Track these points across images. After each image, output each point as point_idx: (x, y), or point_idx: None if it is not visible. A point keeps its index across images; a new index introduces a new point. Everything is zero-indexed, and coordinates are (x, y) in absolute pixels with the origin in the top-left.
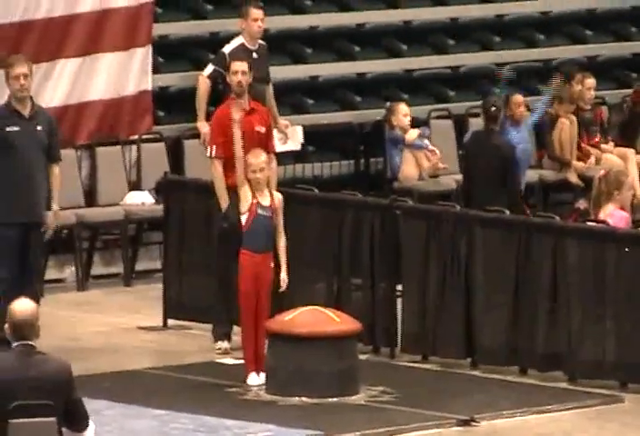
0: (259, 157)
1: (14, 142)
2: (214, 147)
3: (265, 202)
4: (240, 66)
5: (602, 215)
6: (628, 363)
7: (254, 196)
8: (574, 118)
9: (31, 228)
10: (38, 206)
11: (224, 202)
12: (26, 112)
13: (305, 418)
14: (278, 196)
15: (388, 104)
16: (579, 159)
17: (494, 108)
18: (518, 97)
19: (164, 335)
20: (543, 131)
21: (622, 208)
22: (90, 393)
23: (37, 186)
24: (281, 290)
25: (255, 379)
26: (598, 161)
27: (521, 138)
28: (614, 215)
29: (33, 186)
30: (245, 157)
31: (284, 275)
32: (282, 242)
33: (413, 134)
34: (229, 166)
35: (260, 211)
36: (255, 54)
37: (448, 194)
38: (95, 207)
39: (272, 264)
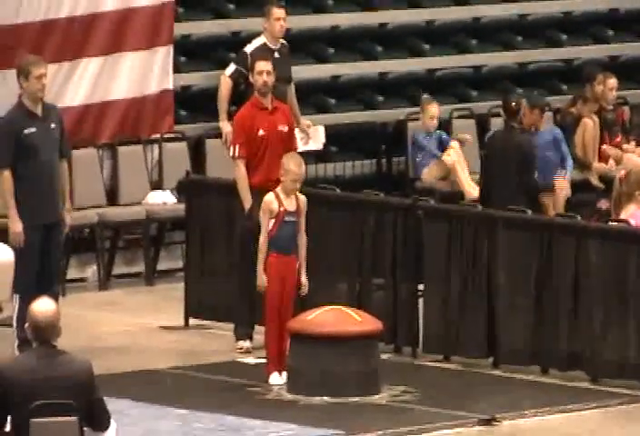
0: (301, 166)
1: (33, 144)
2: (236, 147)
3: (292, 207)
4: (265, 66)
5: (623, 215)
6: None
7: (281, 204)
8: (596, 119)
9: (51, 228)
10: (58, 206)
11: (247, 202)
12: (39, 111)
13: (327, 417)
14: (303, 199)
15: (424, 96)
16: (598, 160)
17: (513, 104)
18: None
19: (185, 335)
20: (565, 132)
21: None
22: (112, 393)
23: (57, 186)
24: (303, 294)
25: (277, 378)
26: (619, 161)
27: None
28: (635, 215)
29: (53, 187)
30: (283, 161)
31: (304, 279)
32: (302, 245)
33: (453, 147)
34: (252, 166)
35: (287, 217)
36: (276, 54)
37: None
38: (116, 206)
39: (297, 266)
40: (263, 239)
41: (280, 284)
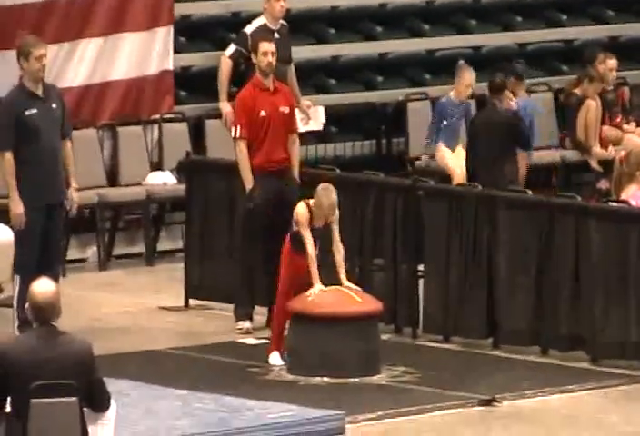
0: (333, 202)
1: (34, 125)
2: (238, 127)
3: (318, 224)
4: (269, 47)
5: (624, 196)
6: None
7: (310, 221)
8: (598, 99)
9: (54, 208)
10: (62, 186)
11: (248, 183)
12: (40, 91)
13: (327, 398)
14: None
15: (461, 62)
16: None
17: (499, 80)
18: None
19: (185, 315)
20: (568, 113)
21: None
22: (112, 374)
23: (60, 167)
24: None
25: (277, 359)
26: (620, 141)
27: None
28: (636, 196)
29: (57, 168)
30: (317, 193)
31: (348, 284)
32: (339, 256)
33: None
34: (253, 147)
35: (313, 234)
36: (276, 35)
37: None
38: (117, 187)
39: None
40: (312, 250)
41: (294, 270)
